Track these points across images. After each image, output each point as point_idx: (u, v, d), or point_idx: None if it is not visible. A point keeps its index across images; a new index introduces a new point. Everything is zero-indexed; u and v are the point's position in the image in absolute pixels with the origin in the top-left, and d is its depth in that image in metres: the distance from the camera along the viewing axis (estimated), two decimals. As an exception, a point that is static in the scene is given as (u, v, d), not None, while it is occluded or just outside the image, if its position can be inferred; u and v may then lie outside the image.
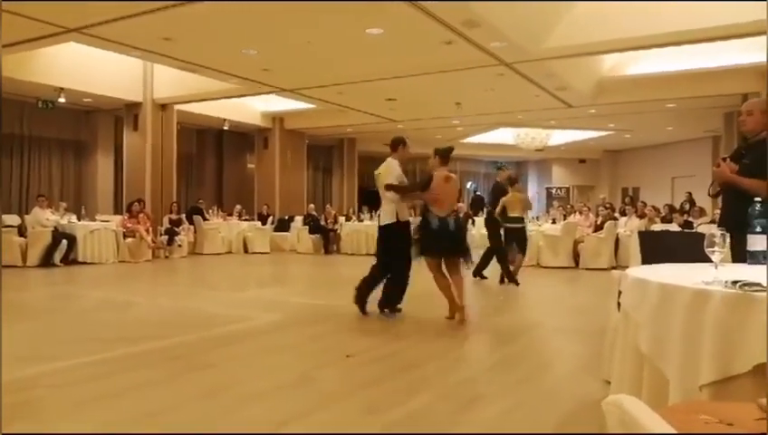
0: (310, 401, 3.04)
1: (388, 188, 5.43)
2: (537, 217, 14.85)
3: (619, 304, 2.88)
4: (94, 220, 11.10)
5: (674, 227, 9.48)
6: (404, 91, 11.40)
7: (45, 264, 9.70)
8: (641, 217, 11.06)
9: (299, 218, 14.20)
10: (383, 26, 7.55)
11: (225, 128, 15.32)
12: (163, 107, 12.80)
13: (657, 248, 3.87)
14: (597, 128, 16.64)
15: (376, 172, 5.64)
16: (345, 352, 4.01)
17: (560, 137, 18.26)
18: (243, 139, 16.96)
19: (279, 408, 2.93)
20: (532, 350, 4.46)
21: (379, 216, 5.72)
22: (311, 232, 13.61)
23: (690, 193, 13.88)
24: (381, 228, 5.56)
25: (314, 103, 13.17)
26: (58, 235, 9.98)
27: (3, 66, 10.04)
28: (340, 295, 7.04)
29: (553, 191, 22.34)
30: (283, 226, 14.41)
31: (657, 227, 9.86)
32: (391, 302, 5.54)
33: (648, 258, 3.75)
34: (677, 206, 13.35)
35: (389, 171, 5.50)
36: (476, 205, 15.51)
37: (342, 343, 4.44)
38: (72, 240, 10.12)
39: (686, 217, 10.88)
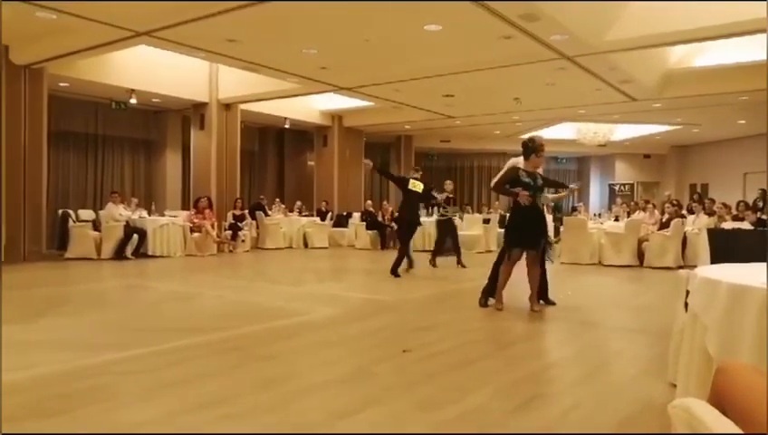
0: (365, 395, 3.07)
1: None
2: (599, 215, 14.44)
3: (686, 304, 2.78)
4: (163, 215, 11.57)
5: (745, 226, 9.02)
6: (462, 87, 11.31)
7: (118, 257, 10.21)
8: (710, 214, 10.58)
9: (356, 215, 14.35)
10: (441, 23, 7.52)
11: (286, 126, 15.64)
12: (227, 106, 13.20)
13: (727, 247, 3.71)
14: (663, 122, 16.00)
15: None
16: (402, 347, 4.03)
17: (623, 131, 17.66)
18: (303, 136, 17.27)
19: (335, 401, 2.98)
20: (592, 350, 4.35)
21: None
22: (368, 228, 13.73)
23: (764, 190, 13.12)
24: None
25: (372, 101, 13.26)
26: (129, 229, 10.47)
27: (80, 70, 10.62)
28: (398, 291, 7.10)
29: (616, 188, 21.64)
30: (341, 222, 14.61)
31: (728, 225, 9.40)
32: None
33: (717, 257, 3.60)
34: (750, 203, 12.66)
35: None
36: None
37: (399, 338, 4.47)
38: (142, 234, 10.59)
39: (758, 214, 10.31)
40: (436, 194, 9.27)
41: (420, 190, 8.46)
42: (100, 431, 2.53)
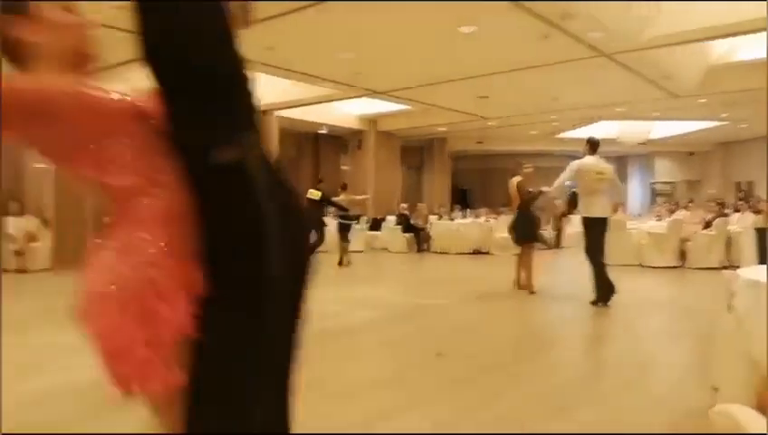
0: (399, 399, 3.08)
1: None
2: (639, 215, 14.14)
3: (730, 306, 2.72)
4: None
5: (796, 225, 8.68)
6: (497, 87, 11.22)
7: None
8: (757, 212, 10.23)
9: (391, 218, 14.36)
10: (477, 24, 7.48)
11: (323, 131, 15.78)
12: (264, 113, 13.40)
13: (774, 247, 3.60)
14: (707, 118, 15.55)
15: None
16: (436, 351, 4.03)
17: (664, 129, 17.24)
18: (338, 141, 17.41)
19: (369, 405, 2.99)
20: (632, 354, 4.27)
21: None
22: (403, 231, 13.74)
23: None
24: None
25: (406, 104, 13.27)
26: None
27: (117, 84, 10.91)
28: (433, 294, 7.09)
29: (657, 187, 21.15)
30: (376, 225, 14.65)
31: (776, 224, 9.08)
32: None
33: (766, 257, 3.49)
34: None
35: None
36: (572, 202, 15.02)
37: (433, 342, 4.46)
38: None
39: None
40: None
41: (318, 198, 9.77)
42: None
